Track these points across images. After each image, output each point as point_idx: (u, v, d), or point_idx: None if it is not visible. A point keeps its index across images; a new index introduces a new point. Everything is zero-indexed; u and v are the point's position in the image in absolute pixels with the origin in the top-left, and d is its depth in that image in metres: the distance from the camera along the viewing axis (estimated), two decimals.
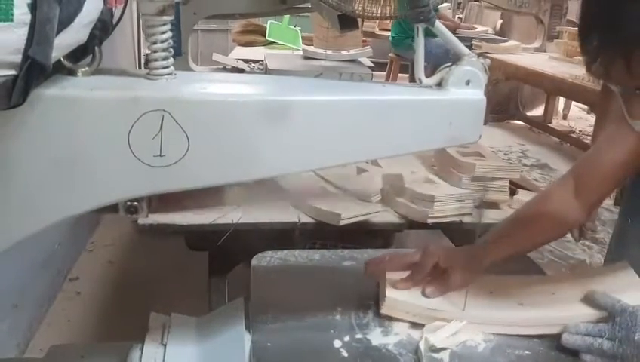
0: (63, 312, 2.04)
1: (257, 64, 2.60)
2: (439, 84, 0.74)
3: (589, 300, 0.86)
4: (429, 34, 0.74)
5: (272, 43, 3.05)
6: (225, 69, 2.51)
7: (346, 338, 0.83)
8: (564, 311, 0.86)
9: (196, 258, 1.49)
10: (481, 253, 0.94)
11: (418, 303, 0.87)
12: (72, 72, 0.66)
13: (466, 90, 0.73)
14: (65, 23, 0.57)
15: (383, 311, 0.87)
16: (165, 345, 0.82)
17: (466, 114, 0.73)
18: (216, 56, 2.63)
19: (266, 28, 3.10)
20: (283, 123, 0.64)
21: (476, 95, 0.73)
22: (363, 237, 1.51)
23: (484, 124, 0.74)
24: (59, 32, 0.56)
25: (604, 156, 0.98)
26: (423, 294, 0.89)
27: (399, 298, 0.87)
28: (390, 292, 0.87)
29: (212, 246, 1.35)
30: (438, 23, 0.73)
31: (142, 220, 1.28)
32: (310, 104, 0.66)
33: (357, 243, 1.42)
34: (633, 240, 1.09)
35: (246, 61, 2.64)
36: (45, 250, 2.04)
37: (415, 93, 0.73)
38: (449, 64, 0.74)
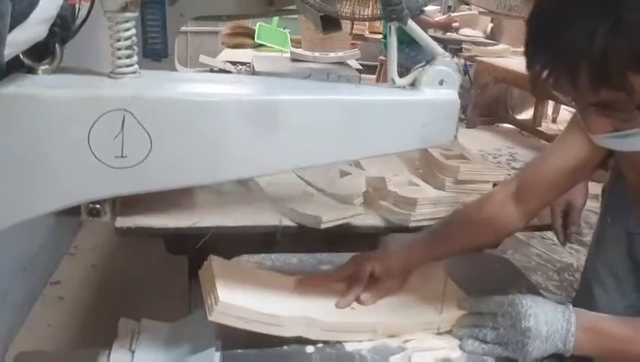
0: (44, 317, 2.00)
1: (244, 66, 2.58)
2: (412, 84, 0.73)
3: (464, 305, 0.87)
4: (405, 38, 0.72)
5: (261, 45, 3.04)
6: (212, 71, 2.49)
7: (319, 344, 0.81)
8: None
9: (179, 261, 1.47)
10: (413, 257, 0.95)
11: (256, 309, 0.77)
12: (31, 70, 0.64)
13: (439, 90, 0.71)
14: (19, 18, 0.54)
15: (213, 317, 0.75)
16: (134, 352, 0.80)
17: (440, 114, 0.71)
18: (203, 58, 2.61)
19: (254, 30, 3.09)
20: (249, 123, 0.63)
21: (450, 95, 0.71)
22: (348, 241, 1.49)
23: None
24: (12, 28, 0.53)
25: (552, 163, 0.96)
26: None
27: (235, 302, 0.76)
28: (224, 296, 0.76)
29: (191, 250, 1.33)
30: (411, 23, 0.72)
31: (120, 223, 1.25)
32: (277, 103, 0.64)
33: (342, 247, 1.40)
34: (612, 240, 1.08)
35: (233, 63, 2.63)
36: (26, 253, 2.01)
37: (387, 94, 0.72)
38: (422, 64, 0.72)
